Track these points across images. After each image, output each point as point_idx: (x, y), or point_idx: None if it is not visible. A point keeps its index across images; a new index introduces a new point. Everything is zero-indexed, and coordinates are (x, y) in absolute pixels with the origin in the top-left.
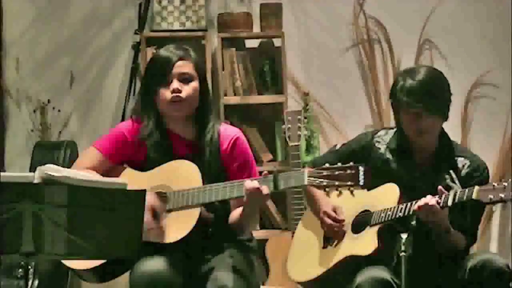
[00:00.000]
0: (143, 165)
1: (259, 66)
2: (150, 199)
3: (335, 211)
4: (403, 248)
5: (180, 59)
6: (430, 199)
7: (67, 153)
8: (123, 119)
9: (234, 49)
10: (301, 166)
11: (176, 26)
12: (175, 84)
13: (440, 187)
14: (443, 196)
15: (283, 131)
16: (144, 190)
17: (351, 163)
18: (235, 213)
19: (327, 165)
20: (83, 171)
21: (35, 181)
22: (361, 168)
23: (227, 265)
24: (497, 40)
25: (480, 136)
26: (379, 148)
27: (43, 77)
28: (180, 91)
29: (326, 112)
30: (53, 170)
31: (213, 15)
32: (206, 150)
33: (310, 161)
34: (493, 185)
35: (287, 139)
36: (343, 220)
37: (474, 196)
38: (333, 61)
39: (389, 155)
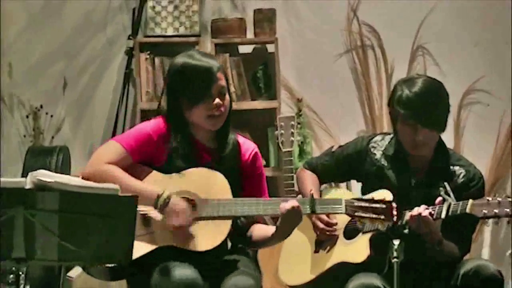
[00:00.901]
0: (162, 167)
1: (253, 71)
2: (180, 204)
3: (327, 216)
4: (395, 254)
5: (218, 71)
6: (423, 210)
7: (59, 158)
8: (115, 125)
9: (227, 54)
10: (293, 172)
11: (170, 31)
12: (217, 100)
13: (439, 198)
14: (437, 207)
15: (276, 136)
16: (137, 196)
17: (384, 198)
18: (259, 229)
19: (363, 197)
20: (106, 166)
21: (27, 186)
22: (394, 205)
23: (242, 270)
24: (490, 46)
25: (473, 142)
26: (375, 154)
27: (36, 82)
28: (221, 106)
29: (319, 118)
30: (45, 175)
31: (207, 20)
32: (228, 160)
33: (306, 162)
34: (488, 200)
35: (280, 145)
36: (336, 224)
37: (468, 210)
38: (326, 67)
39: (384, 162)
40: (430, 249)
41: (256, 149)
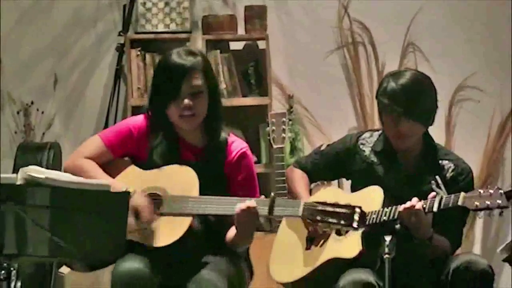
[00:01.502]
0: (145, 162)
1: (244, 68)
2: (141, 200)
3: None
4: (387, 250)
5: (191, 70)
6: (416, 202)
7: (50, 154)
8: (107, 121)
9: (218, 51)
10: (285, 169)
11: (161, 28)
12: (186, 101)
13: (432, 193)
14: (429, 201)
15: (268, 133)
16: (128, 192)
17: (349, 203)
18: (231, 232)
19: (326, 200)
20: (82, 160)
21: (18, 182)
22: (357, 210)
23: (215, 267)
24: (481, 43)
25: (464, 138)
26: (364, 151)
27: (27, 78)
28: (190, 107)
29: (311, 115)
30: (36, 171)
31: (198, 17)
32: (211, 159)
33: (295, 161)
34: (479, 192)
35: (272, 142)
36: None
37: (460, 203)
38: (317, 63)
39: (373, 158)
40: (420, 245)
41: (244, 149)
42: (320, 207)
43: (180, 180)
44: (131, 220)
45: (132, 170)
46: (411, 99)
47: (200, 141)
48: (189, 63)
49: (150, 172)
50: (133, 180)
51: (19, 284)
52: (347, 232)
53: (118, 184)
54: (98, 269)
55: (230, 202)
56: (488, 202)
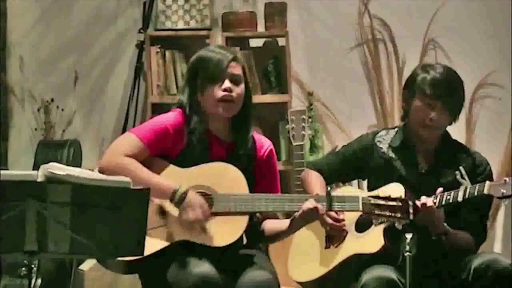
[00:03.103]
0: (176, 159)
1: (263, 65)
2: (197, 199)
3: (336, 212)
4: (408, 248)
5: (233, 60)
6: (425, 199)
7: (70, 152)
8: (126, 118)
9: (238, 48)
10: (304, 166)
11: (181, 25)
12: (228, 83)
13: (440, 189)
14: (439, 196)
15: (287, 130)
16: (149, 189)
17: (401, 196)
18: (272, 224)
19: (379, 194)
20: (124, 159)
21: (39, 179)
22: (410, 203)
23: (259, 265)
24: (502, 40)
25: (485, 136)
26: (381, 148)
27: (47, 76)
28: (231, 91)
29: (330, 112)
30: (57, 168)
31: (218, 14)
32: (243, 155)
33: (311, 163)
34: (505, 180)
35: (291, 139)
36: (343, 220)
37: (485, 191)
38: (337, 60)
39: (391, 154)
40: (438, 241)
41: (272, 147)
42: (373, 201)
43: (226, 178)
44: (186, 219)
45: (172, 169)
46: (451, 88)
47: (229, 137)
48: (232, 54)
49: (191, 170)
50: (178, 179)
51: (39, 281)
52: (366, 227)
53: (169, 183)
54: (135, 273)
55: (290, 199)
56: None
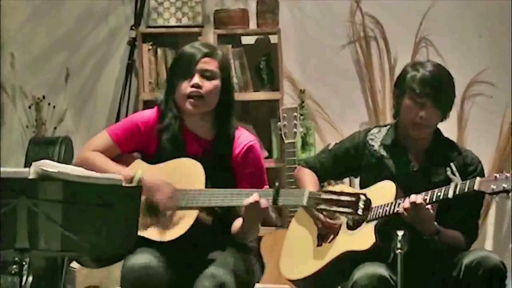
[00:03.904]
0: (153, 157)
1: (255, 63)
2: (154, 179)
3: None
4: (399, 245)
5: (206, 55)
6: (415, 197)
7: (62, 149)
8: (118, 115)
9: (230, 45)
10: (296, 164)
11: (173, 22)
12: (196, 79)
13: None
14: (429, 193)
15: (279, 128)
16: (140, 187)
17: (353, 191)
18: (237, 223)
19: (329, 188)
20: (90, 153)
21: (30, 176)
22: (362, 197)
23: (223, 263)
24: (493, 38)
25: (477, 134)
26: (373, 146)
27: (38, 72)
28: (200, 87)
29: (322, 110)
30: (49, 165)
31: (210, 11)
32: (218, 152)
33: (303, 161)
34: (495, 176)
35: (283, 136)
36: (337, 217)
37: (476, 187)
38: (329, 58)
39: (383, 152)
40: (430, 241)
41: (252, 143)
42: (324, 196)
43: (186, 173)
44: (156, 200)
45: (138, 164)
46: (440, 86)
47: (209, 134)
48: (206, 49)
49: (156, 166)
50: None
51: (30, 278)
52: (357, 224)
53: (126, 171)
54: (106, 266)
55: (238, 193)
56: (504, 185)
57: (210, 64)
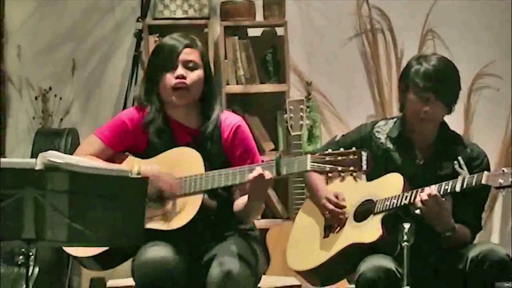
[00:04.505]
0: (145, 153)
1: (262, 55)
2: (153, 168)
3: (337, 197)
4: (405, 238)
5: (187, 46)
6: (433, 189)
7: (68, 140)
8: (124, 107)
9: (236, 37)
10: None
11: (179, 14)
12: (180, 70)
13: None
14: (451, 182)
15: (285, 120)
16: (147, 178)
17: (354, 149)
18: (240, 201)
19: (329, 150)
20: (84, 157)
21: (37, 167)
22: (363, 153)
23: (231, 252)
24: (500, 30)
25: (483, 126)
26: (379, 138)
27: (45, 64)
28: (184, 77)
29: (329, 102)
30: (55, 156)
31: (216, 3)
32: (208, 139)
33: (309, 152)
34: (503, 170)
35: (289, 129)
36: (345, 206)
37: (483, 181)
38: (336, 50)
39: (389, 145)
40: (444, 239)
41: (239, 123)
42: (327, 158)
43: (184, 161)
44: (160, 188)
45: (132, 160)
46: (444, 81)
47: (195, 123)
48: (186, 40)
49: (151, 159)
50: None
51: (36, 269)
52: (355, 178)
53: (121, 167)
54: (110, 269)
55: (240, 171)
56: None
57: (192, 55)
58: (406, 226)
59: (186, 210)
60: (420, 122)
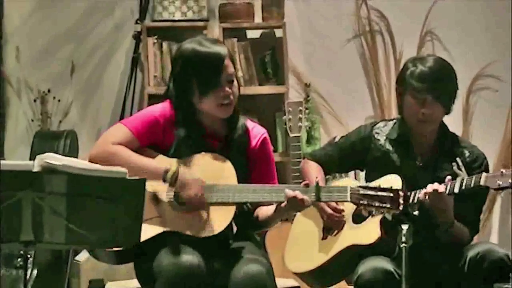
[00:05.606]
0: (169, 151)
1: (261, 56)
2: (190, 174)
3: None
4: (403, 239)
5: (225, 58)
6: (438, 186)
7: (67, 142)
8: (123, 109)
9: (235, 39)
10: (301, 157)
11: (178, 16)
12: (227, 89)
13: (448, 177)
14: (449, 184)
15: (284, 122)
16: (144, 179)
17: (392, 187)
18: (264, 210)
19: (369, 184)
20: (114, 147)
21: (35, 169)
22: (401, 193)
23: (251, 255)
24: (499, 32)
25: (482, 127)
26: (379, 140)
27: (43, 66)
28: (229, 95)
29: (327, 103)
30: (53, 158)
31: (215, 5)
32: (236, 146)
33: (309, 154)
34: (502, 172)
35: (288, 130)
36: (343, 210)
37: (482, 183)
38: (334, 52)
39: (389, 146)
40: (441, 233)
41: (265, 135)
42: (362, 191)
43: (216, 169)
44: (185, 196)
45: (162, 158)
46: (440, 82)
47: (223, 129)
48: (223, 51)
49: (182, 161)
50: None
51: (35, 271)
52: (392, 217)
53: (159, 164)
54: (128, 262)
55: (279, 189)
56: (510, 181)
57: (231, 67)
58: (405, 227)
59: (218, 221)
60: (419, 124)
